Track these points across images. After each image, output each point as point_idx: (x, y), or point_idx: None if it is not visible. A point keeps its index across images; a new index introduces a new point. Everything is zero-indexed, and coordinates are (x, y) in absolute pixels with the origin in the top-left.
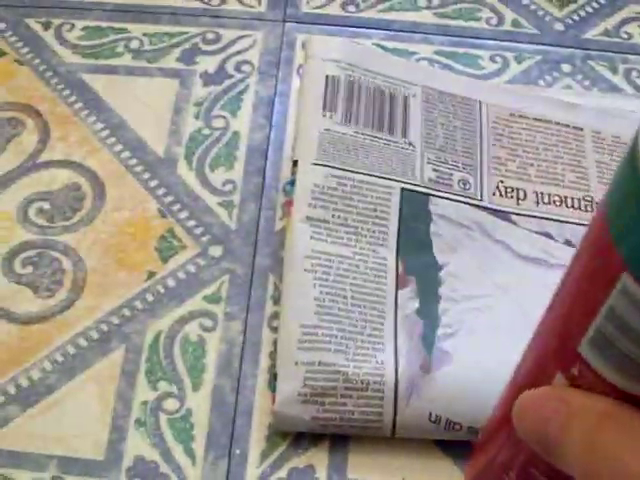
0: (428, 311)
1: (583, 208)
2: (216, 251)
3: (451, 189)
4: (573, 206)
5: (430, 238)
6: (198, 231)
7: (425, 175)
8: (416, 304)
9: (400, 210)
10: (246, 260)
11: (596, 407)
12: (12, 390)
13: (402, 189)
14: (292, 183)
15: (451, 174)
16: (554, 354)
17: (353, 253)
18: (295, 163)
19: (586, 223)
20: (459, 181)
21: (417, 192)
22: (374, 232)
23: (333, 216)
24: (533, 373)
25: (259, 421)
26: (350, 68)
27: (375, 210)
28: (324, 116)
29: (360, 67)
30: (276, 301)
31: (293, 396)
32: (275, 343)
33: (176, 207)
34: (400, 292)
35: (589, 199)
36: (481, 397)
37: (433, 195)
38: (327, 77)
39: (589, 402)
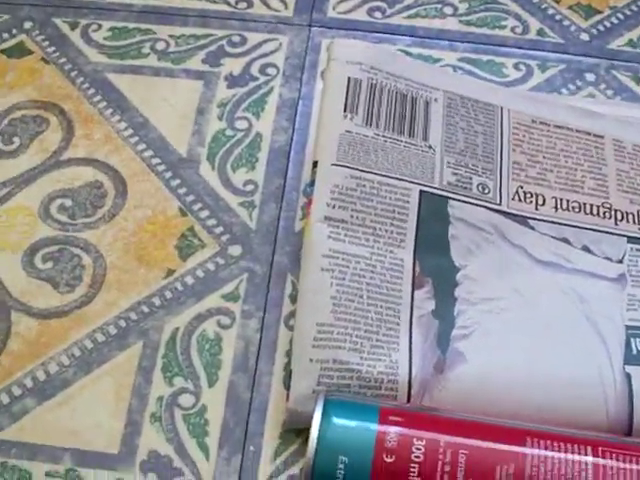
0: (444, 312)
1: (601, 215)
2: (235, 250)
3: (470, 193)
4: (592, 213)
5: (448, 240)
6: (218, 230)
7: (444, 178)
8: (432, 305)
9: (418, 212)
10: (265, 259)
11: None
12: (29, 383)
13: (421, 191)
14: (312, 184)
15: (470, 178)
16: None
17: (370, 253)
18: (315, 164)
19: (604, 230)
20: (478, 185)
21: (436, 195)
22: (392, 233)
23: (352, 216)
24: None
25: (274, 418)
26: (372, 71)
27: (393, 212)
28: (345, 118)
29: (382, 70)
30: (294, 300)
31: (307, 393)
32: (292, 341)
33: (197, 206)
34: (416, 293)
35: (608, 206)
36: (493, 398)
37: (452, 198)
38: (349, 79)
39: None
